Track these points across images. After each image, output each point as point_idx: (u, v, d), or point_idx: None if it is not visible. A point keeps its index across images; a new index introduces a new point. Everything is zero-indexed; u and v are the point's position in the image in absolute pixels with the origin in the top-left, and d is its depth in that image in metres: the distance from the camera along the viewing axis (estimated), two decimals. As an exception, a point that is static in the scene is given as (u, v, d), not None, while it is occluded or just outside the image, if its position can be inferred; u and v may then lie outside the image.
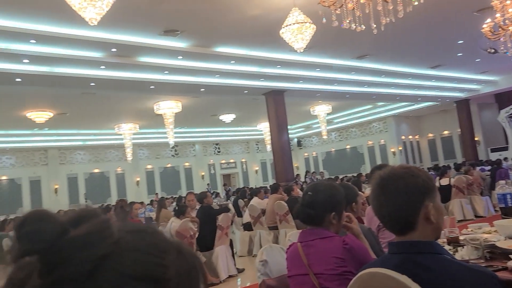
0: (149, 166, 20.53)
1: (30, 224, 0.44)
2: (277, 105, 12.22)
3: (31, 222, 0.44)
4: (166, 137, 14.41)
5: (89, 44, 7.77)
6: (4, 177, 16.89)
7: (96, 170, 19.02)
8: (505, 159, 13.31)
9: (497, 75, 15.59)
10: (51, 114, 12.41)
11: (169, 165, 21.18)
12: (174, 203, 11.20)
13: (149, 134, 17.96)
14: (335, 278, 1.71)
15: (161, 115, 13.30)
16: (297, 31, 6.32)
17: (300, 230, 1.99)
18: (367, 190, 6.58)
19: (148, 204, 15.11)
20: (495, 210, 8.94)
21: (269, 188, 11.44)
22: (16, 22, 6.85)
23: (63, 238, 0.44)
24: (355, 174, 14.94)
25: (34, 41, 7.35)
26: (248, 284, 5.48)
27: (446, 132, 20.85)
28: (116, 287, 0.44)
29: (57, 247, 0.43)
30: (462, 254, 1.81)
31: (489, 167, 12.07)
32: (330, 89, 13.15)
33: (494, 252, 1.81)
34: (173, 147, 19.43)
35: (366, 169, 19.80)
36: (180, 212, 5.63)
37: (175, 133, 14.99)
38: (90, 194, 18.03)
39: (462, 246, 1.90)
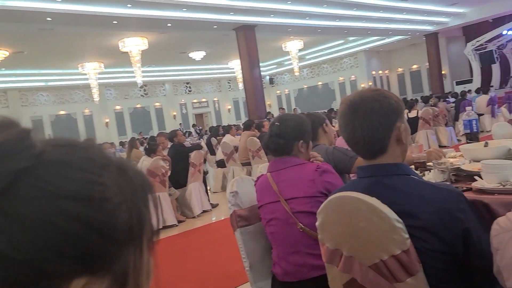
0: (118, 107, 20.04)
1: None
2: (248, 41, 11.88)
3: None
4: (134, 76, 13.93)
5: (40, -27, 7.14)
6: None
7: (62, 112, 18.43)
8: (469, 91, 13.65)
9: (465, 7, 15.52)
10: (7, 53, 11.66)
11: (138, 106, 20.74)
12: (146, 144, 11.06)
13: (115, 73, 17.31)
14: (306, 201, 1.72)
15: (127, 53, 12.73)
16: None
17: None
18: (337, 125, 6.63)
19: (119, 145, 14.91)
20: (458, 140, 9.34)
21: (241, 126, 11.42)
22: None
23: None
24: (326, 110, 15.07)
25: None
26: (222, 218, 5.61)
27: (415, 66, 21.05)
28: (36, 205, 0.36)
29: None
30: (429, 177, 1.85)
31: (453, 99, 12.41)
32: (301, 23, 12.81)
33: (459, 175, 1.86)
34: (141, 87, 18.88)
35: (337, 105, 20.00)
36: (151, 151, 5.56)
37: (143, 72, 14.50)
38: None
39: (429, 170, 1.94)
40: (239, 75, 17.85)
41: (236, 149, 7.48)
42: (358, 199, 1.24)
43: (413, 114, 8.81)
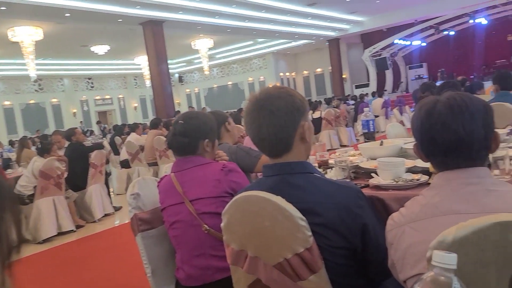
0: (7, 102, 18.09)
1: None
2: (155, 36, 11.50)
3: None
4: (27, 69, 12.65)
5: None
6: None
7: None
8: (366, 94, 14.79)
9: (363, 16, 16.82)
10: None
11: (32, 101, 18.93)
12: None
13: (4, 65, 15.60)
14: (212, 202, 1.67)
15: (17, 43, 11.51)
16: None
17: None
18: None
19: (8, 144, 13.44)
20: (357, 139, 10.06)
21: (148, 124, 11.01)
22: None
23: None
24: (235, 110, 15.19)
25: None
26: (126, 221, 5.32)
27: (319, 69, 22.24)
28: None
29: None
30: (331, 175, 1.91)
31: (353, 102, 13.37)
32: (211, 22, 12.76)
33: (358, 172, 1.95)
34: (36, 81, 17.26)
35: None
36: (44, 150, 5.05)
37: (38, 64, 13.26)
38: None
39: (331, 168, 2.01)
40: (146, 71, 17.21)
41: (142, 148, 7.17)
42: (263, 198, 1.22)
43: (317, 114, 9.28)
